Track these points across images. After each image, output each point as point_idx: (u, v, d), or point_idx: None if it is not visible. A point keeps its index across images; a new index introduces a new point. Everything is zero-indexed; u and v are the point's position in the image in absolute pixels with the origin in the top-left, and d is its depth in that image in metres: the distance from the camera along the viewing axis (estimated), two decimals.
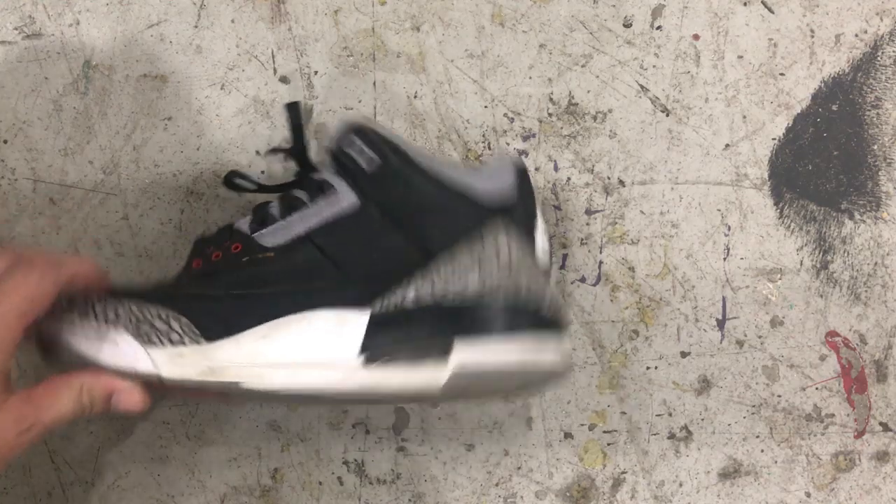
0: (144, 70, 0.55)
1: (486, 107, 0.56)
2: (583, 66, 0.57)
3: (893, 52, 0.56)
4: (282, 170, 0.55)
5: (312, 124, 0.55)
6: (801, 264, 0.57)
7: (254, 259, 0.43)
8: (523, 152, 0.57)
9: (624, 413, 0.57)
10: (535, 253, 0.45)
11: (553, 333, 0.43)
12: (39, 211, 0.55)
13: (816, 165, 0.56)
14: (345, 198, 0.44)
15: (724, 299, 0.57)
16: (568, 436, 0.57)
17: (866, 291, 0.57)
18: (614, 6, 0.57)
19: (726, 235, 0.56)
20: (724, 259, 0.57)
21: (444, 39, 0.56)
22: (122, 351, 0.40)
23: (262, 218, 0.45)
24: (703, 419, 0.57)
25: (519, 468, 0.57)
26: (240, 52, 0.55)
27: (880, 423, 0.58)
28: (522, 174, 0.46)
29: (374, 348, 0.40)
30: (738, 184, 0.56)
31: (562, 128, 0.57)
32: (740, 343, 0.57)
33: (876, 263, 0.57)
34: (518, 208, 0.45)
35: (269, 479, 0.57)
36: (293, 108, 0.48)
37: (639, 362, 0.57)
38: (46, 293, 0.39)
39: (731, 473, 0.58)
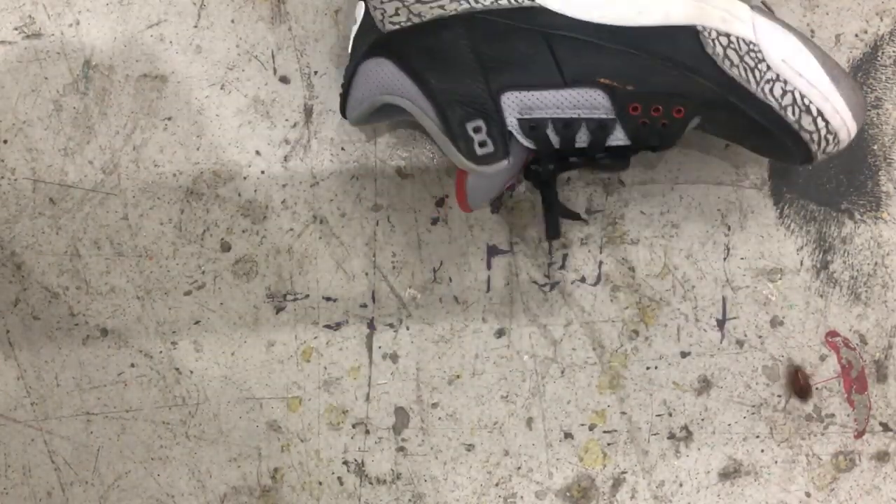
0: (144, 70, 0.55)
1: None
2: None
3: (893, 52, 0.56)
4: (282, 169, 0.55)
5: (312, 124, 0.55)
6: (801, 264, 0.57)
7: None
8: None
9: (624, 413, 0.57)
10: None
11: None
12: (39, 211, 0.55)
13: (816, 166, 0.56)
14: None
15: (724, 299, 0.57)
16: (568, 436, 0.57)
17: (866, 291, 0.57)
18: None
19: (726, 235, 0.56)
20: (724, 259, 0.57)
21: None
22: None
23: None
24: (703, 419, 0.57)
25: (519, 468, 0.57)
26: (240, 52, 0.55)
27: (880, 424, 0.58)
28: None
29: None
30: (738, 184, 0.56)
31: None
32: (740, 343, 0.57)
33: (876, 263, 0.57)
34: None
35: (269, 479, 0.57)
36: None
37: (639, 362, 0.57)
38: None
39: (731, 473, 0.58)
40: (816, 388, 0.57)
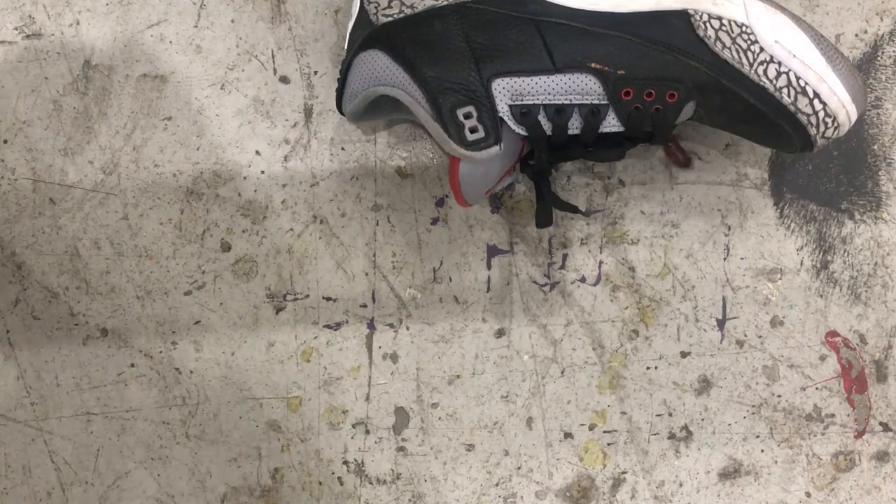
0: (144, 70, 0.55)
1: None
2: None
3: (893, 52, 0.56)
4: (282, 169, 0.55)
5: (312, 124, 0.55)
6: (801, 264, 0.57)
7: None
8: None
9: (624, 413, 0.57)
10: None
11: None
12: (39, 211, 0.55)
13: (816, 165, 0.56)
14: None
15: (724, 299, 0.57)
16: (568, 436, 0.57)
17: (866, 291, 0.57)
18: None
19: (726, 235, 0.56)
20: (724, 259, 0.57)
21: None
22: None
23: None
24: (703, 419, 0.57)
25: (519, 468, 0.57)
26: (240, 52, 0.55)
27: (880, 423, 0.58)
28: None
29: None
30: (738, 184, 0.56)
31: None
32: (740, 343, 0.57)
33: (876, 263, 0.57)
34: None
35: (269, 479, 0.57)
36: None
37: (639, 362, 0.57)
38: None
39: (731, 473, 0.58)
40: (816, 388, 0.57)
